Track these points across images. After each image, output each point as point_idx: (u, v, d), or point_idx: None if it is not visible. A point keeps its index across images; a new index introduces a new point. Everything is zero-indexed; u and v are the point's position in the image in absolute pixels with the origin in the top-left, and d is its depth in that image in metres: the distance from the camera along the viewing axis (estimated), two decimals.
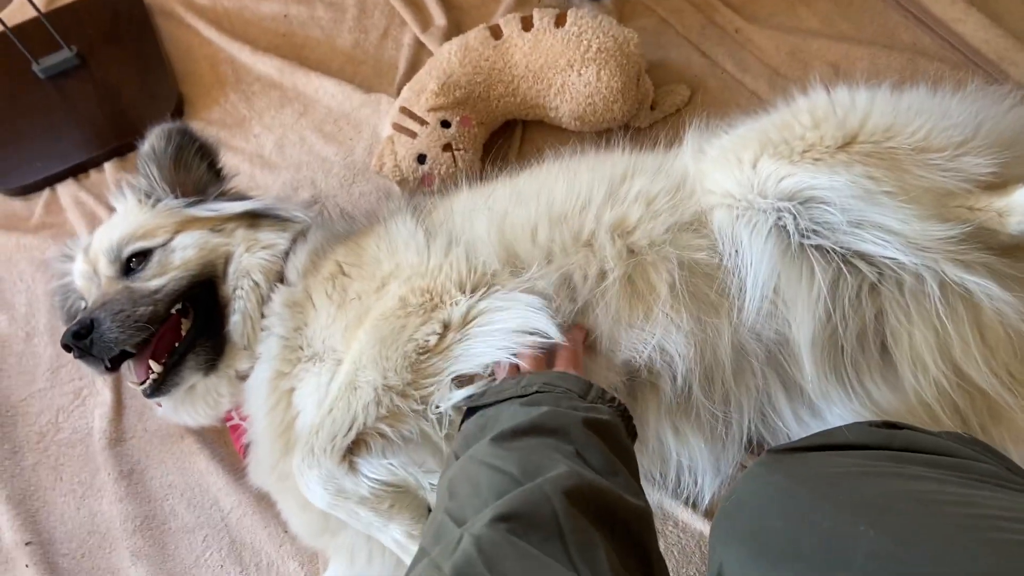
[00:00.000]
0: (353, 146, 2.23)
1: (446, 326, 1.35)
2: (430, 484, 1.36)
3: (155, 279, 1.56)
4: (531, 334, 1.31)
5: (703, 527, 1.54)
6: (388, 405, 1.32)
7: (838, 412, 1.38)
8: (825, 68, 2.06)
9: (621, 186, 1.48)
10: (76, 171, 2.36)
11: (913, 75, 1.98)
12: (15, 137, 2.42)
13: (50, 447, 1.93)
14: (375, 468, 1.34)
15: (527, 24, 1.97)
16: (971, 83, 1.49)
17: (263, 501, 1.73)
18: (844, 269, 1.33)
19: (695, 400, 1.38)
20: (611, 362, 1.38)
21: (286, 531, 1.69)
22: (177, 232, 1.62)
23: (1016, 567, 0.74)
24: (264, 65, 2.42)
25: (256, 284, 1.58)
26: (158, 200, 1.67)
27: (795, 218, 1.33)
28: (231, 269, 1.60)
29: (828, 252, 1.34)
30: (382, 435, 1.34)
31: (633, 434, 1.20)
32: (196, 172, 1.72)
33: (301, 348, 1.50)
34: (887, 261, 1.31)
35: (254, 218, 1.68)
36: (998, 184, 1.32)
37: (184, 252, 1.59)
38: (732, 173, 1.40)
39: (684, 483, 1.48)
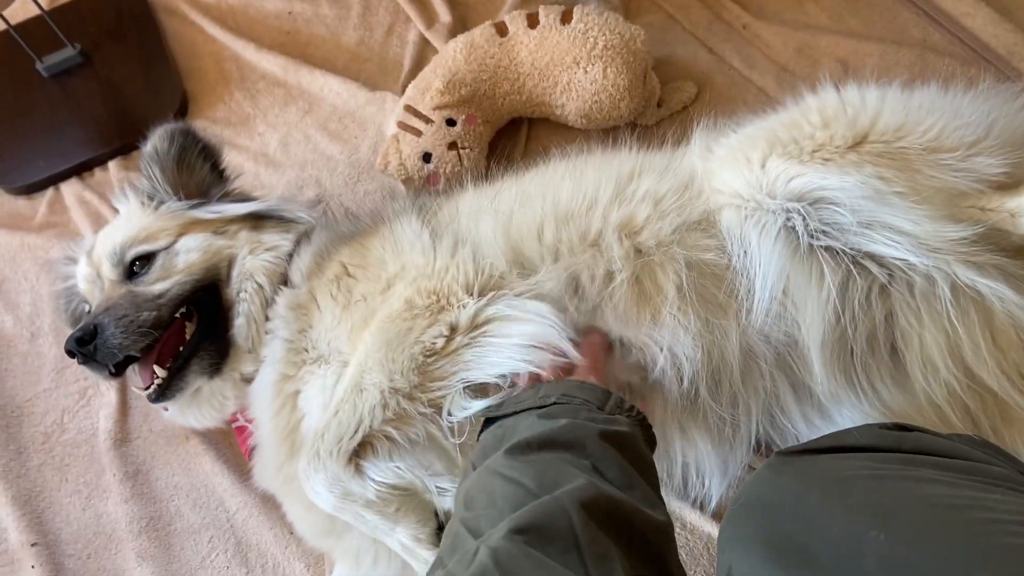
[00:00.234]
0: (358, 144, 2.22)
1: (453, 328, 1.34)
2: (437, 487, 1.36)
3: (159, 283, 1.56)
4: (544, 348, 1.30)
5: (711, 529, 1.54)
6: (394, 408, 1.31)
7: (847, 414, 1.37)
8: (834, 65, 2.04)
9: (628, 185, 1.47)
10: (80, 170, 2.35)
11: (923, 71, 1.97)
12: (19, 136, 2.42)
13: (55, 448, 1.93)
14: (381, 471, 1.33)
15: (533, 21, 1.96)
16: (983, 81, 1.47)
17: (269, 502, 1.72)
18: (854, 270, 1.32)
19: (702, 402, 1.37)
20: (620, 364, 1.37)
21: (292, 533, 1.68)
22: (180, 235, 1.61)
23: None
24: (269, 63, 2.41)
25: (260, 287, 1.57)
26: (161, 202, 1.66)
27: (804, 219, 1.32)
28: (234, 272, 1.60)
29: (838, 253, 1.32)
30: (388, 438, 1.33)
31: (652, 442, 1.18)
32: (199, 173, 1.71)
33: (306, 350, 1.49)
34: (898, 262, 1.30)
35: (258, 219, 1.67)
36: (1011, 184, 1.31)
37: (188, 256, 1.59)
38: (741, 173, 1.38)
39: (691, 484, 1.47)
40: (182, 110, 2.39)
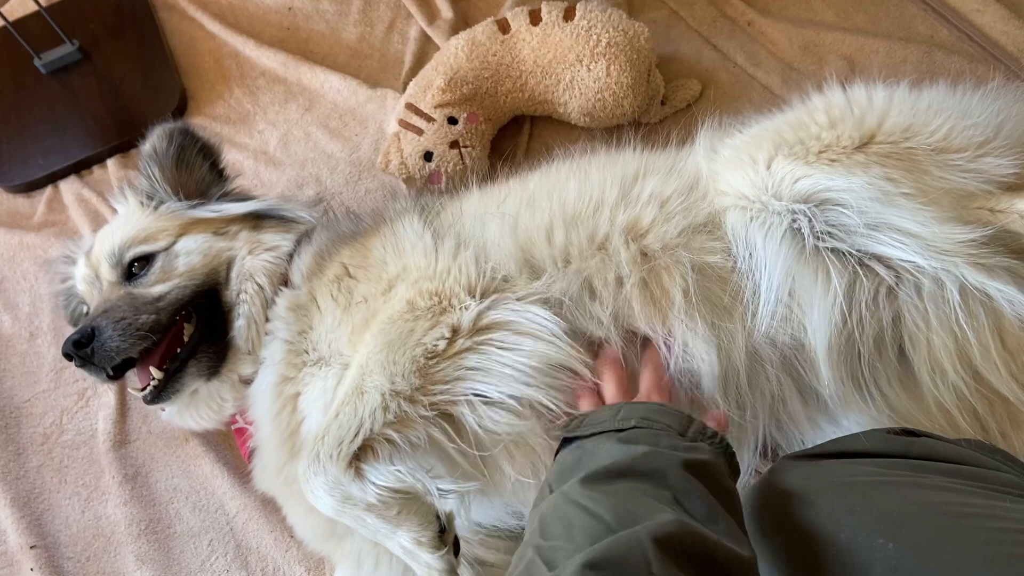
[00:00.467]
0: (359, 142, 2.20)
1: (455, 330, 1.32)
2: (438, 490, 1.34)
3: (158, 285, 1.54)
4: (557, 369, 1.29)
5: None
6: (396, 411, 1.30)
7: (854, 418, 1.36)
8: (840, 62, 2.02)
9: (633, 186, 1.45)
10: (79, 167, 2.34)
11: (930, 69, 1.95)
12: (17, 133, 2.40)
13: (54, 449, 1.92)
14: (382, 475, 1.31)
15: (535, 18, 1.94)
16: (992, 79, 1.45)
17: (269, 505, 1.71)
18: (861, 272, 1.30)
19: (708, 405, 1.36)
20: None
21: (292, 536, 1.67)
22: (180, 235, 1.60)
23: None
24: (269, 59, 2.39)
25: (260, 287, 1.56)
26: (160, 202, 1.64)
27: (810, 220, 1.31)
28: (233, 273, 1.58)
29: (844, 255, 1.31)
30: (389, 441, 1.31)
31: (736, 471, 1.13)
32: (198, 172, 1.70)
33: (306, 352, 1.48)
34: (905, 264, 1.29)
35: (257, 219, 1.65)
36: (1020, 186, 1.30)
37: (188, 258, 1.57)
38: (746, 174, 1.37)
39: None
40: (181, 107, 2.37)
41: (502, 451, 1.33)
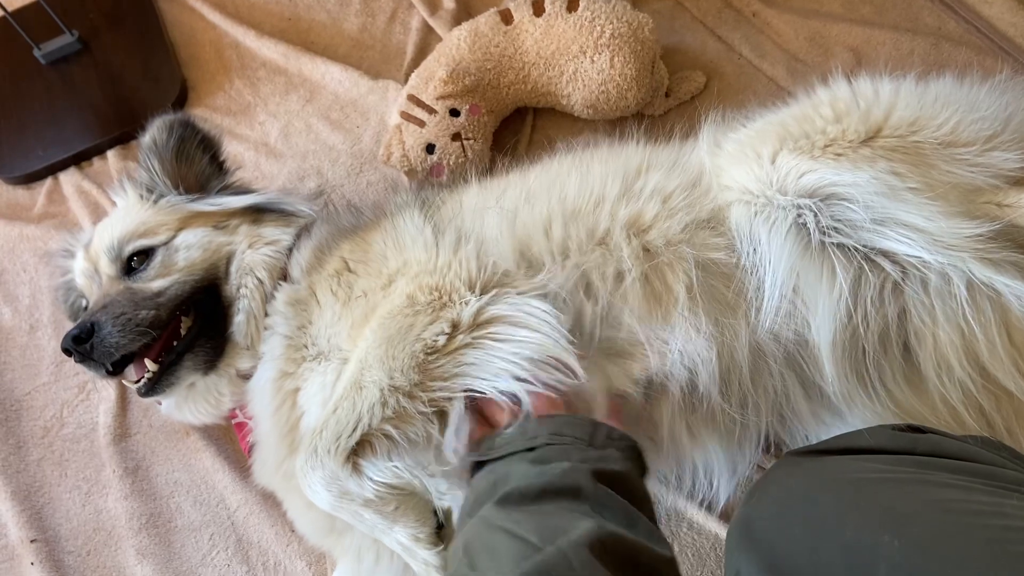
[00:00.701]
0: (360, 134, 2.19)
1: (455, 326, 1.31)
2: (436, 488, 1.34)
3: (158, 280, 1.53)
4: (550, 363, 1.27)
5: (719, 529, 1.52)
6: (394, 406, 1.28)
7: (859, 414, 1.35)
8: (846, 54, 2.00)
9: (636, 181, 1.44)
10: (78, 159, 2.32)
11: (937, 61, 1.93)
12: (16, 124, 2.39)
13: (55, 442, 1.91)
14: (380, 470, 1.30)
15: (538, 9, 1.92)
16: (1000, 72, 1.44)
17: (270, 500, 1.70)
18: (866, 268, 1.29)
19: (712, 402, 1.34)
20: (630, 367, 1.34)
21: (293, 530, 1.67)
22: (180, 229, 1.58)
23: None
24: (269, 50, 2.37)
25: (260, 282, 1.54)
26: (160, 195, 1.63)
27: (816, 215, 1.30)
28: (233, 267, 1.57)
29: (850, 250, 1.30)
30: (388, 437, 1.30)
31: (644, 471, 1.17)
32: (198, 165, 1.68)
33: (306, 347, 1.47)
34: (911, 260, 1.27)
35: (258, 213, 1.64)
36: None
37: (188, 253, 1.56)
38: (750, 168, 1.36)
39: (699, 485, 1.45)
40: (181, 98, 2.35)
41: None
